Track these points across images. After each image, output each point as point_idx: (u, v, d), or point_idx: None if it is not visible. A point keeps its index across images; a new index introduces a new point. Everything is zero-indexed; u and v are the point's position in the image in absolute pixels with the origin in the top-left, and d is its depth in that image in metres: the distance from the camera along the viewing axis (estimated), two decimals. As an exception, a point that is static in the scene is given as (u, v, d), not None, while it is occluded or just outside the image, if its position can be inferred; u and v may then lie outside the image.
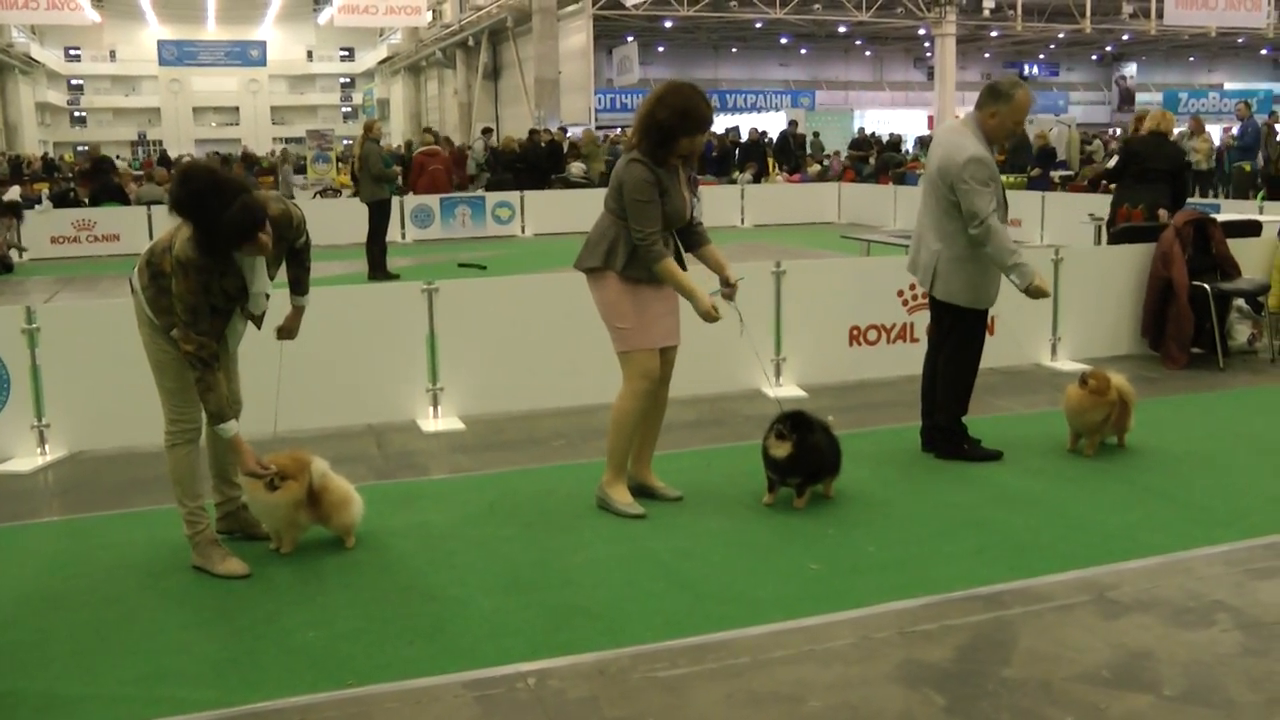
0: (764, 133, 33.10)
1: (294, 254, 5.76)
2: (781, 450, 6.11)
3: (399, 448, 7.76)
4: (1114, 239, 11.29)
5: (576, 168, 27.13)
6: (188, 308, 5.14)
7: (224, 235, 5.09)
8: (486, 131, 31.58)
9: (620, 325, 6.09)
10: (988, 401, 8.43)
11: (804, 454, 6.13)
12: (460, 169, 26.58)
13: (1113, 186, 12.78)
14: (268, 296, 5.56)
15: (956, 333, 7.11)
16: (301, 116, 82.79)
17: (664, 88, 6.04)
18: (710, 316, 6.02)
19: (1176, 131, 19.83)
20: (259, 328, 5.68)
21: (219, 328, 5.40)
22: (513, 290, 8.94)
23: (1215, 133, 28.71)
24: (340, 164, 34.65)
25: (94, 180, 26.27)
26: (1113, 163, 14.15)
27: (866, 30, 55.04)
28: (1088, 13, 49.01)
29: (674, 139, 5.91)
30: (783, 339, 9.07)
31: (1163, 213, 11.10)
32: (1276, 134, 23.90)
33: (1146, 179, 11.53)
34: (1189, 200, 14.22)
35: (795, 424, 6.13)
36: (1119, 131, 41.85)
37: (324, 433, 7.86)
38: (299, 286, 5.95)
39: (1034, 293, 6.83)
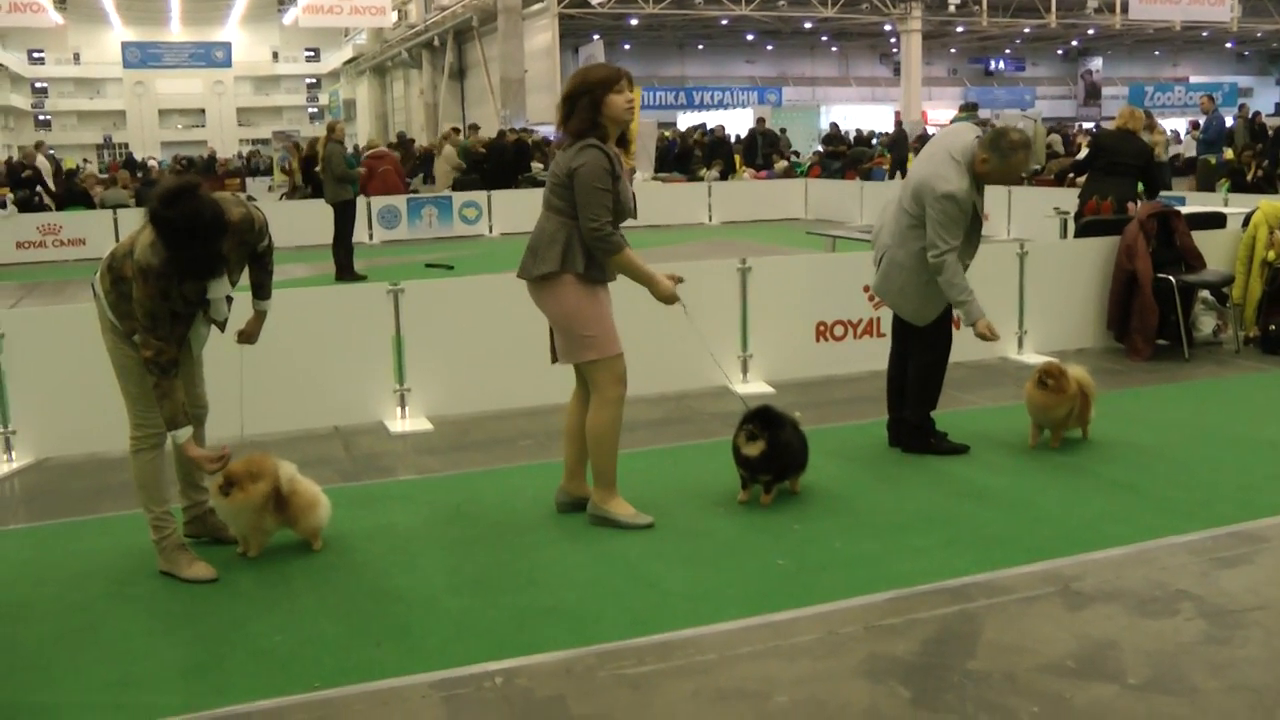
0: (722, 127, 33.10)
1: (256, 258, 5.73)
2: (754, 449, 6.11)
3: (366, 449, 7.75)
4: (1080, 232, 11.35)
5: (538, 168, 27.11)
6: (147, 313, 5.13)
7: (194, 272, 5.16)
8: (454, 131, 31.46)
9: (587, 333, 5.84)
10: (954, 395, 8.45)
11: (776, 451, 6.13)
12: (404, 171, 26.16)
13: (1080, 180, 12.86)
14: (230, 300, 5.54)
15: (925, 329, 7.13)
16: (267, 118, 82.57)
17: (582, 69, 6.04)
18: (673, 299, 5.94)
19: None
20: (222, 331, 5.66)
21: (181, 333, 5.38)
22: (479, 290, 8.91)
23: (1180, 125, 29.16)
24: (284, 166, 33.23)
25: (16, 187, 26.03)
26: (1083, 154, 14.23)
27: (832, 26, 55.16)
28: (1053, 7, 49.26)
29: (604, 97, 5.76)
30: (749, 335, 9.09)
31: (1132, 206, 11.18)
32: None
33: (1115, 172, 11.61)
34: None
35: (766, 422, 6.13)
36: (1083, 126, 42.07)
37: (291, 435, 7.84)
38: (261, 291, 5.92)
39: (979, 334, 6.88)
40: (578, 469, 6.24)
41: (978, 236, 7.03)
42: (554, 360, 6.14)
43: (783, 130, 34.75)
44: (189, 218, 4.98)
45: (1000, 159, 6.78)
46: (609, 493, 6.05)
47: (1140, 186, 11.71)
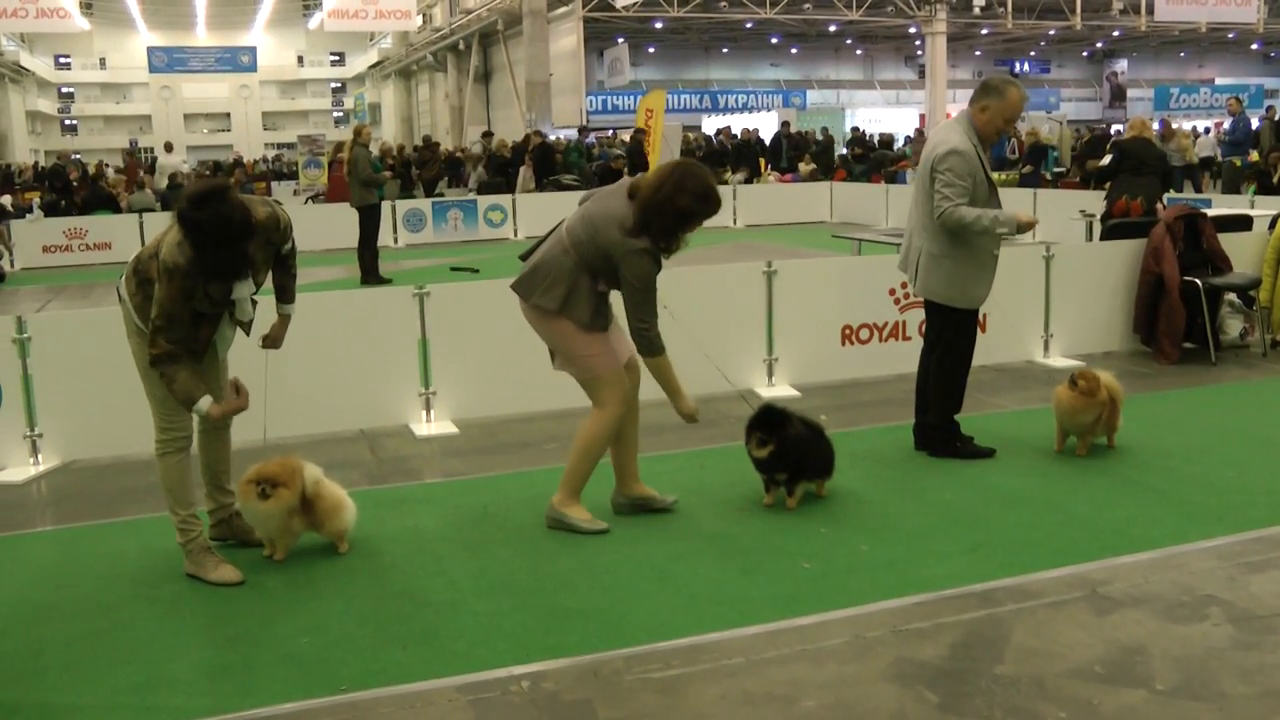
0: (746, 130, 33.12)
1: (280, 261, 5.73)
2: (763, 451, 6.14)
3: (392, 452, 7.77)
4: (1106, 234, 11.32)
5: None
6: (164, 313, 5.14)
7: (222, 274, 5.18)
8: (487, 135, 31.53)
9: (585, 353, 5.90)
10: (980, 399, 8.43)
11: (785, 450, 6.14)
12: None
13: (1107, 185, 12.86)
14: (254, 303, 5.56)
15: (947, 332, 7.12)
16: (293, 121, 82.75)
17: (679, 172, 5.72)
18: (693, 418, 6.08)
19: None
20: (248, 334, 5.67)
21: (207, 335, 5.40)
22: (504, 293, 8.77)
23: (1203, 125, 29.20)
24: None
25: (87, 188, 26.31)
26: (1106, 160, 14.24)
27: (857, 29, 55.04)
28: (1078, 9, 49.09)
29: (694, 223, 5.76)
30: (775, 339, 9.07)
31: (1160, 206, 11.18)
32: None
33: (1143, 173, 11.63)
34: (1177, 196, 14.37)
35: (771, 424, 6.15)
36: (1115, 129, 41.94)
37: (317, 438, 7.86)
38: (285, 295, 5.92)
39: (1024, 228, 6.88)
40: (629, 471, 6.29)
41: (997, 200, 7.03)
42: (555, 365, 6.22)
43: (825, 129, 34.71)
44: (218, 221, 5.00)
45: (998, 97, 6.83)
46: (572, 498, 6.08)
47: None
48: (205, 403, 5.32)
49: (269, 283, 5.77)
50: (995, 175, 7.26)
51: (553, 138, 31.90)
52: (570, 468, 6.06)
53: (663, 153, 25.11)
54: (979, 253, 6.96)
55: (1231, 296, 10.15)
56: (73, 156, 35.25)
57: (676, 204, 5.65)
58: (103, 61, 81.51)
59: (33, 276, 20.33)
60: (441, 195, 25.53)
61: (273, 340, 5.96)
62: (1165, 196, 12.72)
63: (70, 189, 26.83)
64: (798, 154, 31.03)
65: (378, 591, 5.29)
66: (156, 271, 5.16)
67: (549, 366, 8.08)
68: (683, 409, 6.04)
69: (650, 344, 5.82)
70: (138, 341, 5.42)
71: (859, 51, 65.59)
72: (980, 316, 7.24)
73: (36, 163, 51.53)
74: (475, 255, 20.25)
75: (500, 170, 26.96)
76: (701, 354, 6.91)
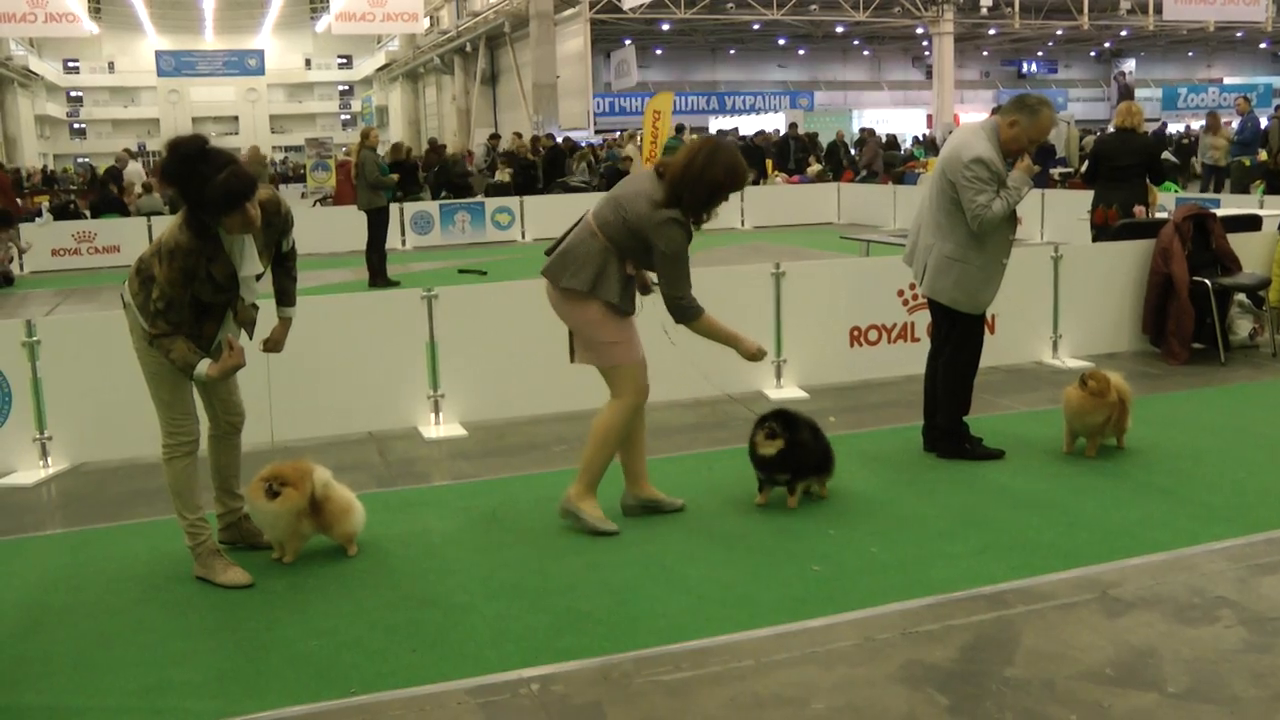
0: (761, 133, 33.10)
1: (280, 261, 5.74)
2: (771, 448, 6.14)
3: (401, 455, 7.76)
4: (1114, 235, 11.29)
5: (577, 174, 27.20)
6: (164, 296, 5.13)
7: (212, 202, 5.07)
8: (494, 138, 31.59)
9: (608, 340, 5.93)
10: (989, 400, 8.42)
11: (792, 450, 6.15)
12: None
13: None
14: (259, 286, 5.52)
15: (955, 333, 7.10)
16: (300, 124, 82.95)
17: (709, 147, 5.85)
18: (759, 356, 6.14)
19: (1197, 126, 19.98)
20: (250, 336, 5.65)
21: (211, 332, 5.39)
22: (513, 295, 8.89)
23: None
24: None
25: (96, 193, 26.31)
26: (1084, 167, 14.17)
27: (864, 30, 55.08)
28: (1085, 9, 49.02)
29: (724, 196, 5.83)
30: (783, 340, 9.06)
31: (1139, 210, 11.15)
32: None
33: (1118, 178, 11.56)
34: (1185, 196, 14.28)
35: (784, 422, 6.17)
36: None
37: (325, 441, 7.85)
38: (285, 298, 5.92)
39: (1029, 177, 6.86)
40: (638, 472, 6.29)
41: (1013, 225, 7.01)
42: (573, 360, 6.21)
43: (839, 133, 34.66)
44: (196, 144, 5.12)
45: (1030, 115, 6.80)
46: (589, 492, 6.08)
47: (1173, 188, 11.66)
48: (204, 366, 5.29)
49: (269, 286, 5.75)
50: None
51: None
52: (587, 458, 6.07)
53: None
54: (992, 260, 6.94)
55: (1241, 297, 10.12)
56: (78, 160, 35.15)
57: (708, 176, 5.73)
58: (111, 65, 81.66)
59: (41, 280, 20.35)
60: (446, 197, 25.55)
61: (274, 344, 5.94)
62: (1176, 196, 12.60)
63: (121, 189, 26.69)
64: (805, 155, 30.96)
65: (387, 594, 5.29)
66: (158, 263, 5.16)
67: (558, 369, 8.06)
68: (745, 351, 6.11)
69: (687, 311, 5.87)
70: (143, 345, 5.40)
71: (866, 52, 65.61)
72: (989, 318, 7.21)
73: (45, 166, 51.59)
74: (483, 257, 20.25)
75: (523, 170, 26.94)
76: (720, 350, 6.90)
